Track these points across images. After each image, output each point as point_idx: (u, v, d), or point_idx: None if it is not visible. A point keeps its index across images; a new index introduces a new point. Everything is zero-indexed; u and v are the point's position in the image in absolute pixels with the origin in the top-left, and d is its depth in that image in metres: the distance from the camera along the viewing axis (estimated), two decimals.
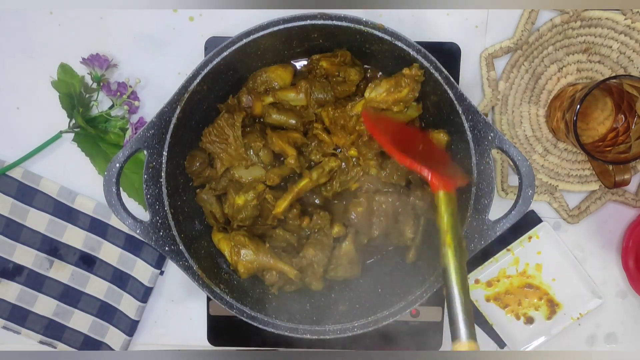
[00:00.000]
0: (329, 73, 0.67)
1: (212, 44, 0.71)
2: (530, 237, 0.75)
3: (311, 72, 0.68)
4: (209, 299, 0.76)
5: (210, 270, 0.66)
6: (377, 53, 0.66)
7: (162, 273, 0.77)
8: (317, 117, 0.68)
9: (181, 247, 0.63)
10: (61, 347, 0.78)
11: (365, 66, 0.70)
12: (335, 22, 0.61)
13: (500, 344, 0.77)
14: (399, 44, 0.61)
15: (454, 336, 0.50)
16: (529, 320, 0.76)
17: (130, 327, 0.77)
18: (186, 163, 0.67)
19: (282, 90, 0.67)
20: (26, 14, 0.73)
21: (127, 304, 0.76)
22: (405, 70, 0.64)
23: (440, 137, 0.67)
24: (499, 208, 0.73)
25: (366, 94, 0.65)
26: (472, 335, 0.49)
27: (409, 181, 0.69)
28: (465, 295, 0.50)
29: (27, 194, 0.74)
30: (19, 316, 0.77)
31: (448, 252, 0.53)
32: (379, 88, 0.65)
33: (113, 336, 0.77)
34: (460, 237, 0.54)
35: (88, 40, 0.73)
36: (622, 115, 0.70)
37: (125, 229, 0.75)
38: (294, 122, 0.68)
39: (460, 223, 0.57)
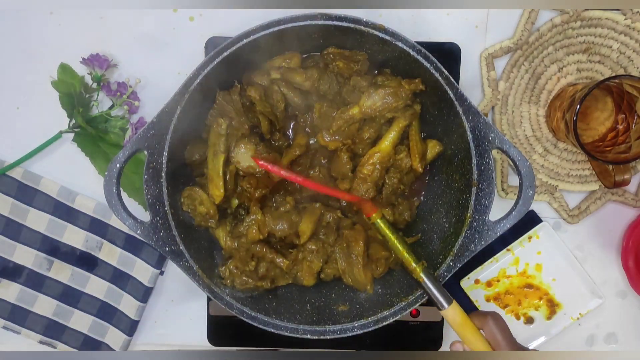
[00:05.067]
0: (342, 73, 0.67)
1: (212, 44, 0.71)
2: (530, 237, 0.75)
3: (326, 65, 0.68)
4: (209, 299, 0.76)
5: (210, 270, 0.66)
6: (377, 53, 0.66)
7: (162, 273, 0.77)
8: (311, 106, 0.69)
9: (181, 247, 0.63)
10: (61, 347, 0.78)
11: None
12: (335, 22, 0.61)
13: None
14: (399, 44, 0.61)
15: (440, 307, 0.60)
16: (529, 320, 0.76)
17: (130, 327, 0.77)
18: (186, 153, 0.67)
19: (291, 70, 0.67)
20: (26, 14, 0.73)
21: (127, 304, 0.76)
22: (406, 85, 0.64)
23: (432, 146, 0.68)
24: (499, 208, 0.73)
25: (361, 102, 0.65)
26: (450, 300, 0.60)
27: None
28: (434, 280, 0.62)
29: (27, 194, 0.74)
30: (19, 316, 0.77)
31: (416, 268, 0.62)
32: (376, 96, 0.65)
33: (113, 336, 0.77)
34: (408, 246, 0.64)
35: (88, 40, 0.73)
36: (622, 115, 0.70)
37: (125, 229, 0.75)
38: (298, 100, 0.68)
39: (398, 234, 0.65)
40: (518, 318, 0.76)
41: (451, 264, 0.63)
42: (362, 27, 0.61)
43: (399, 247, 0.64)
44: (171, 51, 0.74)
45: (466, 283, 0.75)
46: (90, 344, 0.78)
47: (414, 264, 0.62)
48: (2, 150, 0.76)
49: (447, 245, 0.64)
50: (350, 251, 0.67)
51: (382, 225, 0.64)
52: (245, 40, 0.61)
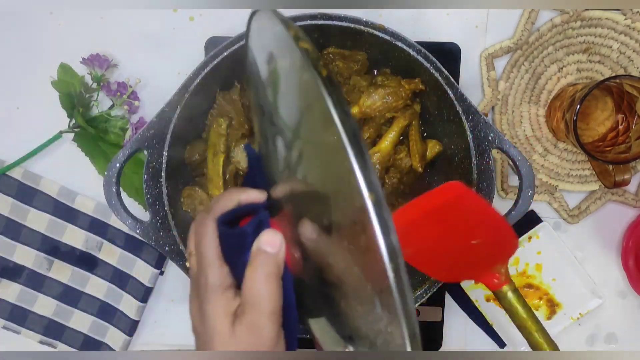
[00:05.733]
0: (341, 73, 0.67)
1: (212, 44, 0.71)
2: (530, 237, 0.75)
3: (326, 65, 0.68)
4: None
5: None
6: (377, 53, 0.66)
7: (162, 273, 0.77)
8: None
9: (181, 247, 0.63)
10: (61, 347, 0.78)
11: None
12: (335, 22, 0.61)
13: (500, 343, 0.77)
14: (399, 44, 0.61)
15: None
16: None
17: (130, 327, 0.77)
18: (186, 153, 0.67)
19: None
20: (26, 14, 0.73)
21: (127, 304, 0.76)
22: (405, 84, 0.64)
23: (432, 146, 0.68)
24: (499, 208, 0.73)
25: (361, 102, 0.65)
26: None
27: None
28: None
29: (27, 194, 0.74)
30: (19, 316, 0.77)
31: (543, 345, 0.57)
32: (375, 95, 0.65)
33: (113, 336, 0.77)
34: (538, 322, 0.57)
35: (88, 40, 0.73)
36: (622, 115, 0.70)
37: (125, 228, 0.75)
38: None
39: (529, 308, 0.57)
40: None
41: None
42: (362, 27, 0.61)
43: (533, 326, 0.57)
44: (171, 51, 0.74)
45: (466, 283, 0.75)
46: (90, 343, 0.78)
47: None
48: (2, 150, 0.76)
49: None
50: None
51: (514, 298, 0.55)
52: (245, 40, 0.61)
